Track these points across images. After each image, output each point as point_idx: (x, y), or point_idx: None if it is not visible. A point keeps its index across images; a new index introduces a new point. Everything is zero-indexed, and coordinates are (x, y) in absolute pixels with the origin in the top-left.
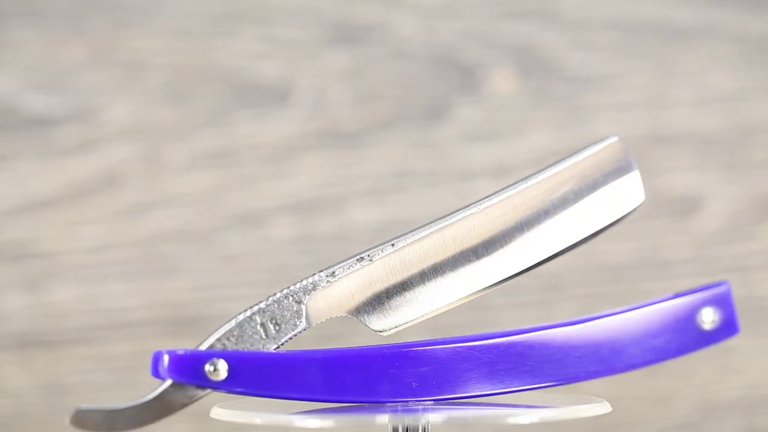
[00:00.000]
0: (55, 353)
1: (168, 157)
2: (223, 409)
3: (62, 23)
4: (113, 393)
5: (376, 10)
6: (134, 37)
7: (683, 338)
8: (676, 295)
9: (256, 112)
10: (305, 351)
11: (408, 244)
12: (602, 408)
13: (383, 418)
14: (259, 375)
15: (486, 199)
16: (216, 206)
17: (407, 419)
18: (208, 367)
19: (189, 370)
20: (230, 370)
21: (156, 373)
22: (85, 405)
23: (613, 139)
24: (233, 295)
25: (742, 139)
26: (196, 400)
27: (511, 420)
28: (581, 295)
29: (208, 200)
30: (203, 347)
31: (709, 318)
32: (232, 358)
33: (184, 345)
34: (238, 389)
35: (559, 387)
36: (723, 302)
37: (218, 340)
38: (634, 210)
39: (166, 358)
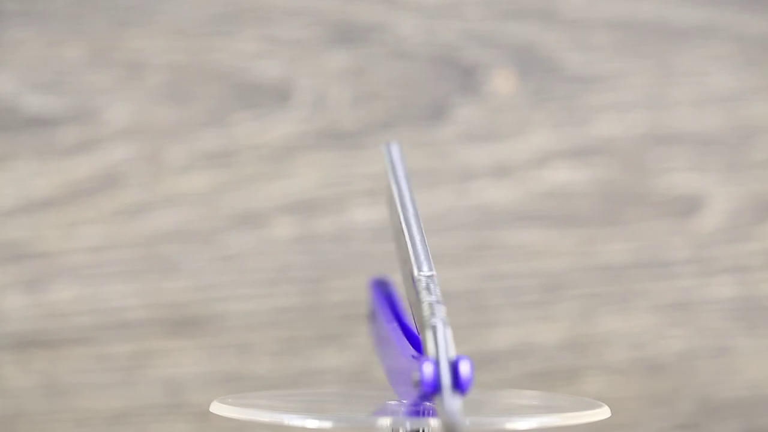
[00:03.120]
0: (55, 353)
1: (168, 157)
2: (223, 404)
3: (62, 23)
4: (113, 393)
5: (376, 10)
6: (134, 37)
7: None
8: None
9: (256, 112)
10: None
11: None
12: (601, 413)
13: (385, 421)
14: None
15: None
16: (216, 206)
17: (408, 423)
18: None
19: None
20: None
21: (433, 387)
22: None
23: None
24: (233, 295)
25: (742, 139)
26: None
27: (510, 426)
28: (581, 295)
29: (208, 200)
30: (431, 354)
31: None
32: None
33: (185, 345)
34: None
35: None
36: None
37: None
38: None
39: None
